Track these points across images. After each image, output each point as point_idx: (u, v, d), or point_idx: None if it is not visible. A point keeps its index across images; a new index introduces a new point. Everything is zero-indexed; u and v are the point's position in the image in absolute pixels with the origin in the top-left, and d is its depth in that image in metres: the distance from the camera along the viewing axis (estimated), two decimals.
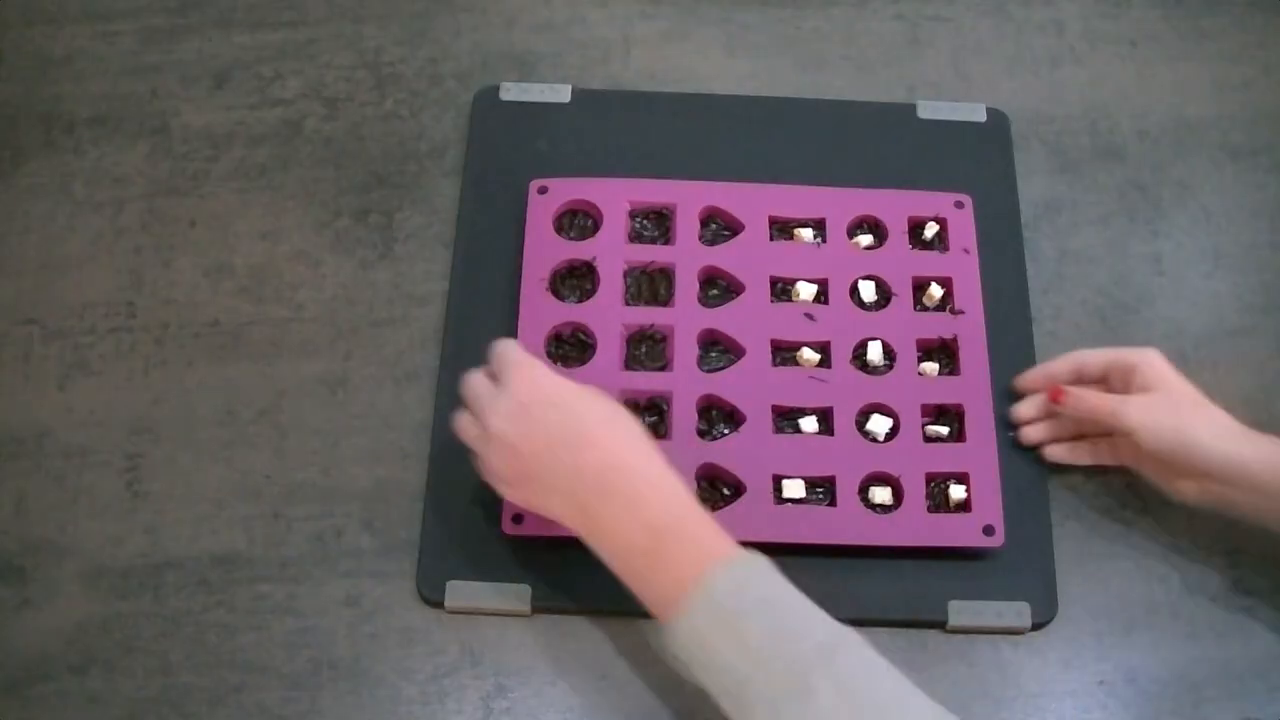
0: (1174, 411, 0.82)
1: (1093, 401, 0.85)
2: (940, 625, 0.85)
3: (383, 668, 0.84)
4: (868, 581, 0.85)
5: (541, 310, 0.91)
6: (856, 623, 0.85)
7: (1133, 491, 0.89)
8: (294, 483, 0.89)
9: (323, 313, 0.95)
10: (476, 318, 0.93)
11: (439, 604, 0.85)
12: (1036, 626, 0.85)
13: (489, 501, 0.85)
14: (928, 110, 1.02)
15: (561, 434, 0.76)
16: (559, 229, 0.94)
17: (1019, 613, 0.85)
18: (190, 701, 0.83)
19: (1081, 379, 0.88)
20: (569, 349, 0.91)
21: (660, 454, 0.76)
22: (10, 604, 0.86)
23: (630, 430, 0.76)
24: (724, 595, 0.70)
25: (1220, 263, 0.98)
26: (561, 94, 1.02)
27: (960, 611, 0.85)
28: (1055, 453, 0.88)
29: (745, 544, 0.75)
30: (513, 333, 0.90)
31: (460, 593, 0.85)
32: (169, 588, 0.86)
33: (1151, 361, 0.84)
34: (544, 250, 0.93)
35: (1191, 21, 1.08)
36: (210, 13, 1.07)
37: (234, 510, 0.88)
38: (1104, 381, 0.87)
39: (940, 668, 0.84)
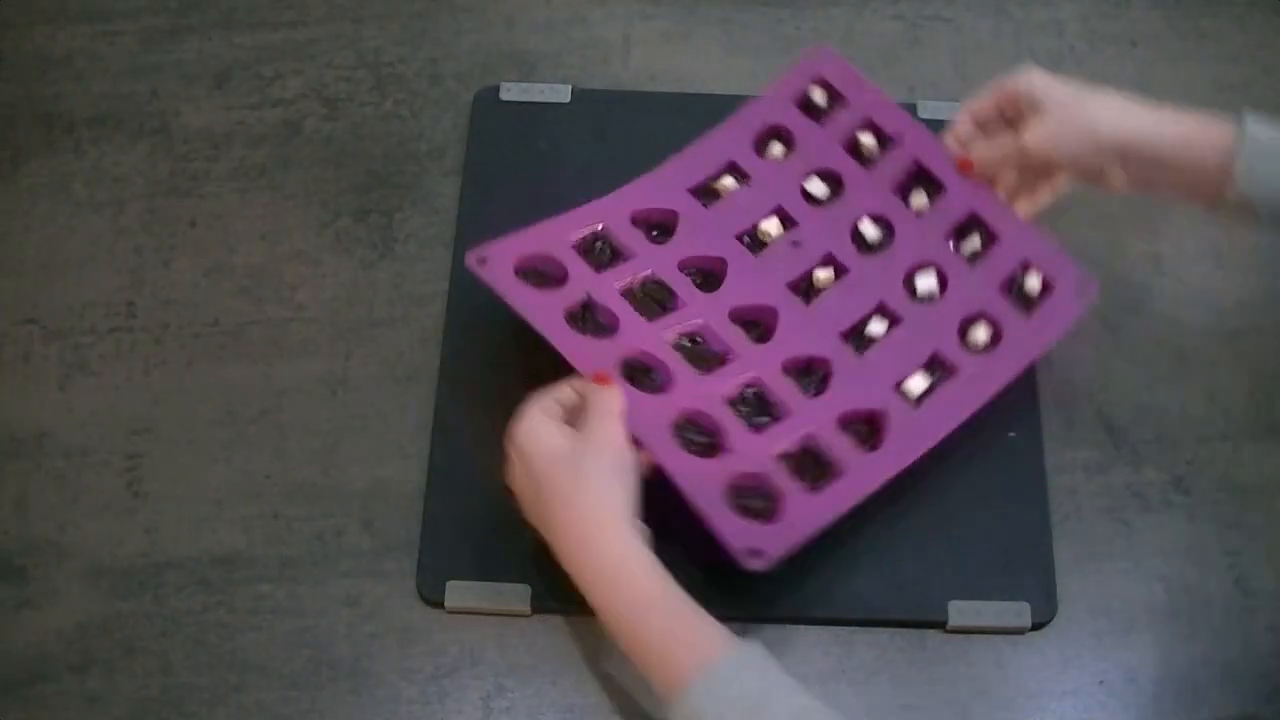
0: (1067, 117, 0.83)
1: (996, 154, 0.88)
2: (940, 625, 0.85)
3: (383, 668, 0.84)
4: (868, 581, 0.85)
5: (590, 351, 0.84)
6: (857, 623, 0.86)
7: (1132, 491, 0.89)
8: (294, 483, 0.89)
9: (323, 313, 0.95)
10: (476, 318, 0.93)
11: (439, 604, 0.85)
12: (1036, 626, 0.85)
13: (489, 501, 0.85)
14: (928, 110, 1.02)
15: (539, 488, 0.76)
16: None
17: (1019, 613, 0.85)
18: (190, 701, 0.83)
19: (983, 125, 0.90)
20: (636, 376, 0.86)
21: (630, 526, 0.74)
22: (10, 604, 0.86)
23: (600, 501, 0.75)
24: (715, 698, 0.68)
25: (1220, 263, 0.98)
26: (561, 94, 1.02)
27: (960, 611, 0.85)
28: (1024, 208, 0.90)
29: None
30: (514, 332, 0.90)
31: (460, 593, 0.85)
32: (169, 588, 0.86)
33: (1030, 81, 0.85)
34: (542, 303, 0.87)
35: (1191, 21, 1.08)
36: (210, 13, 1.07)
37: (234, 510, 0.88)
38: (1004, 118, 0.89)
39: (940, 668, 0.85)
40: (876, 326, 0.89)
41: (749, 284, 0.91)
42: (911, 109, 1.02)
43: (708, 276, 0.92)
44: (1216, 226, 0.99)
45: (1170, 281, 0.97)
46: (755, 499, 0.82)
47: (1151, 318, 0.96)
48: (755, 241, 0.92)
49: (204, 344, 0.94)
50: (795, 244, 0.91)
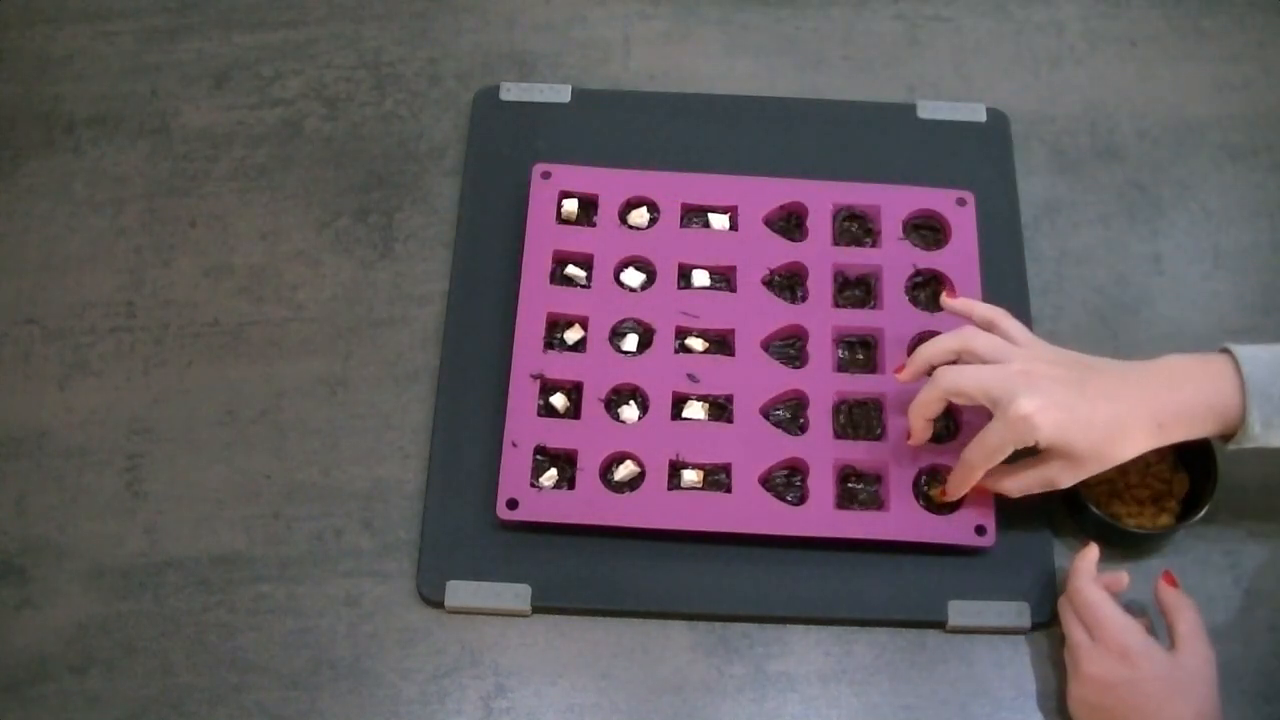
0: (1097, 462, 0.79)
1: (1026, 486, 0.82)
2: (940, 625, 0.85)
3: (383, 668, 0.84)
4: (868, 581, 0.85)
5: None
6: (857, 622, 0.86)
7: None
8: (294, 483, 0.89)
9: (323, 313, 0.95)
10: (476, 318, 0.93)
11: (439, 604, 0.85)
12: (1036, 626, 0.85)
13: (489, 501, 0.85)
14: (928, 110, 1.02)
15: (1114, 714, 0.78)
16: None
17: (1019, 613, 0.85)
18: (190, 701, 0.83)
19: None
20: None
21: None
22: (10, 604, 0.86)
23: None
24: None
25: (1220, 263, 0.98)
26: (561, 94, 1.02)
27: (960, 611, 0.85)
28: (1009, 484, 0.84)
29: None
30: (510, 332, 0.90)
31: (460, 593, 0.85)
32: (169, 588, 0.86)
33: (1043, 435, 0.78)
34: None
35: (1191, 21, 1.08)
36: (210, 13, 1.07)
37: (234, 510, 0.88)
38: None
39: (940, 668, 0.84)
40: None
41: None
42: (911, 109, 1.02)
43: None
44: (1216, 226, 1.00)
45: (1170, 281, 0.97)
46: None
47: (1151, 318, 0.96)
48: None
49: (204, 344, 0.94)
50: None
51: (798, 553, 0.86)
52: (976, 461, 0.81)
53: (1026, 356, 0.80)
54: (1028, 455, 0.81)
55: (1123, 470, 0.87)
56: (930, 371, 0.83)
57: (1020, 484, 0.82)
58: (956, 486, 0.84)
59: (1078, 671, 0.79)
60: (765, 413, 0.89)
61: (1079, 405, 0.78)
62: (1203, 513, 0.84)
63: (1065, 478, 0.80)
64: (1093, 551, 0.83)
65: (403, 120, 1.02)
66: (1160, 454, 0.87)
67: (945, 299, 0.87)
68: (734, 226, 0.95)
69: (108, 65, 1.04)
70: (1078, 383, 0.79)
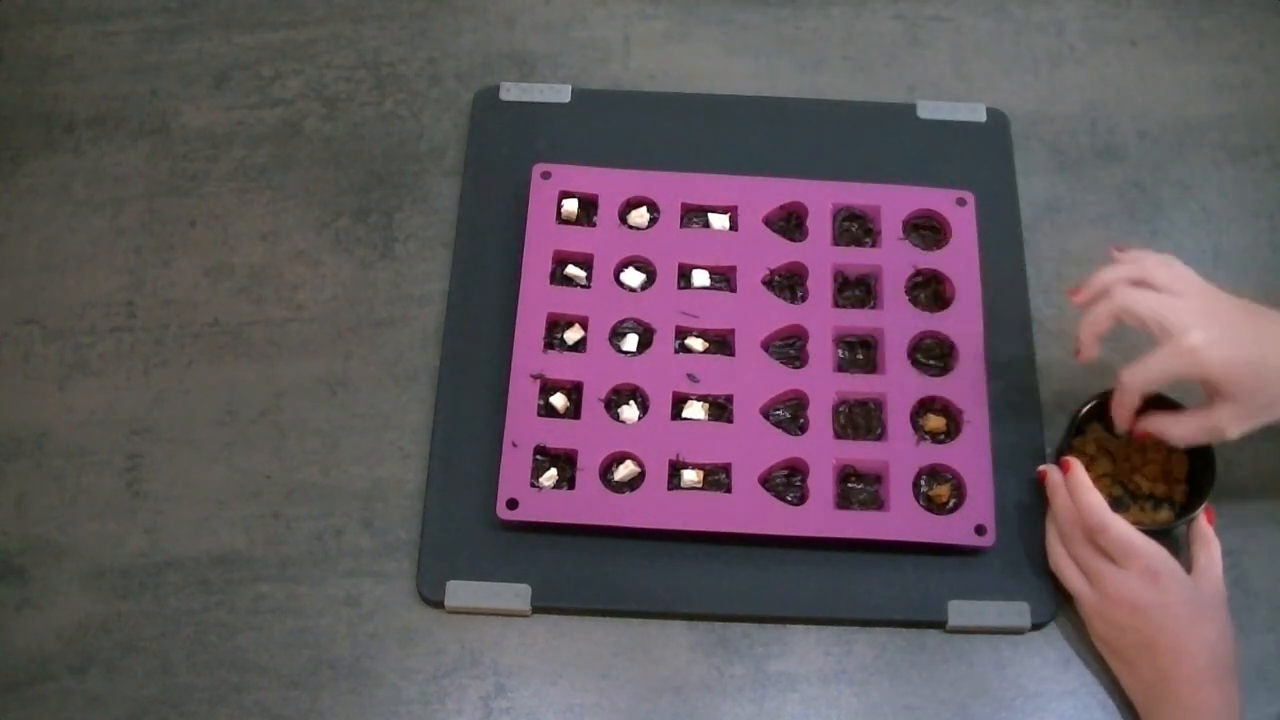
0: (1255, 401, 0.78)
1: (1191, 435, 0.81)
2: (940, 625, 0.85)
3: (383, 668, 0.84)
4: (868, 581, 0.85)
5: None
6: (857, 622, 0.86)
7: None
8: (294, 483, 0.89)
9: (323, 313, 0.95)
10: (476, 318, 0.93)
11: (439, 604, 0.85)
12: (1036, 626, 0.85)
13: (489, 502, 0.85)
14: (928, 110, 1.02)
15: (1142, 636, 0.80)
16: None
17: (1019, 613, 0.85)
18: (190, 701, 0.83)
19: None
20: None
21: (1235, 681, 0.79)
22: (10, 604, 0.86)
23: (1212, 652, 0.79)
24: None
25: (1220, 263, 0.98)
26: (561, 94, 1.02)
27: (960, 611, 0.85)
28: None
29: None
30: (510, 332, 0.90)
31: (460, 593, 0.85)
32: (169, 588, 0.86)
33: (1205, 366, 0.77)
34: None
35: (1191, 21, 1.08)
36: (210, 13, 1.07)
37: (234, 510, 0.88)
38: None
39: (940, 668, 0.85)
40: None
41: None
42: (911, 109, 1.02)
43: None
44: (1216, 226, 1.00)
45: None
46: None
47: None
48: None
49: (204, 344, 0.94)
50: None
51: (798, 553, 0.86)
52: (1133, 385, 0.81)
53: (1205, 293, 0.81)
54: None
55: (1126, 455, 0.88)
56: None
57: (1185, 430, 0.81)
58: (1118, 413, 0.83)
59: (1105, 596, 0.81)
60: (765, 413, 0.89)
61: (1251, 346, 0.78)
62: (1201, 510, 0.84)
63: (1232, 426, 0.79)
64: (1082, 473, 0.83)
65: (403, 120, 1.02)
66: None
67: (1114, 253, 0.84)
68: (734, 226, 0.95)
69: (108, 65, 1.04)
70: (1253, 325, 0.79)
